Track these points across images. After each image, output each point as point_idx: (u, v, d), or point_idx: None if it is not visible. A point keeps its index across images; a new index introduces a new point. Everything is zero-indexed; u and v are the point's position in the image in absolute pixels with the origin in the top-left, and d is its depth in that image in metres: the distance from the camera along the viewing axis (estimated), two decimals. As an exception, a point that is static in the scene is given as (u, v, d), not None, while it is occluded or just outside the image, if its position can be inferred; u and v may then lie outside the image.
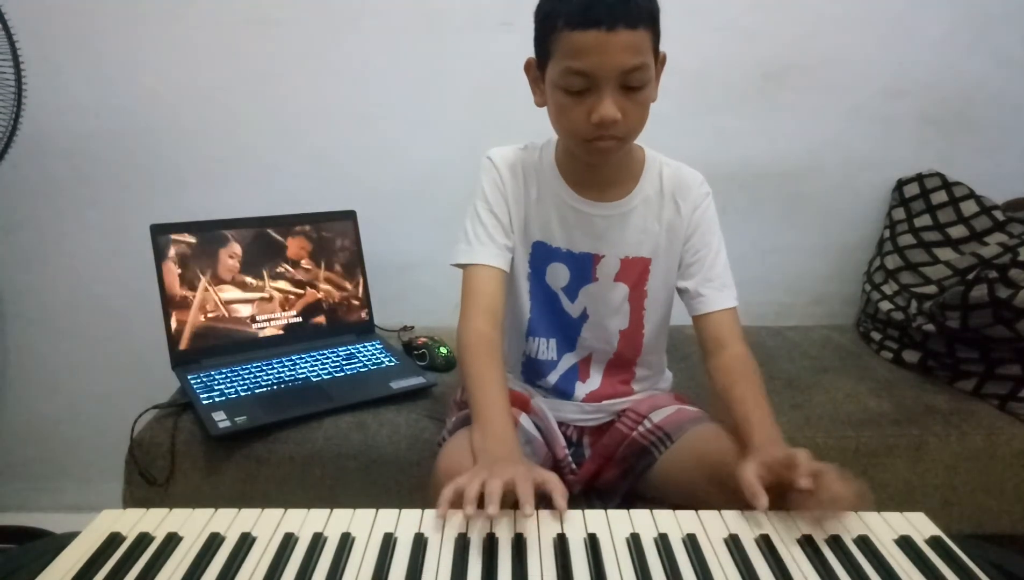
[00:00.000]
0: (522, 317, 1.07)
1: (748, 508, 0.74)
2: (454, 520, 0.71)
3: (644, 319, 1.06)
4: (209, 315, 1.34)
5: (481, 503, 0.69)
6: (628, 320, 1.06)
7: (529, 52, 0.93)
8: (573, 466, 1.05)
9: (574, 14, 0.82)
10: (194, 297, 1.32)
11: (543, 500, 0.73)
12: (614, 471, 1.04)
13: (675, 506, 0.78)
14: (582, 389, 1.08)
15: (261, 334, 1.39)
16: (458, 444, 0.91)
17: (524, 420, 1.03)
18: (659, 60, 0.89)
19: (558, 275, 1.04)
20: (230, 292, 1.36)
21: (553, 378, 1.08)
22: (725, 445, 0.91)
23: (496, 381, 0.90)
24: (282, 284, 1.41)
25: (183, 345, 1.31)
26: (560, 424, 1.07)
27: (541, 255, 1.04)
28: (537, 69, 0.92)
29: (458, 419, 1.05)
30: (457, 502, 0.70)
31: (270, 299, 1.40)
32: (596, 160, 0.94)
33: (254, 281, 1.39)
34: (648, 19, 0.83)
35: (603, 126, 0.86)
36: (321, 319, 1.45)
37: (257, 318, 1.39)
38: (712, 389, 0.99)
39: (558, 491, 0.73)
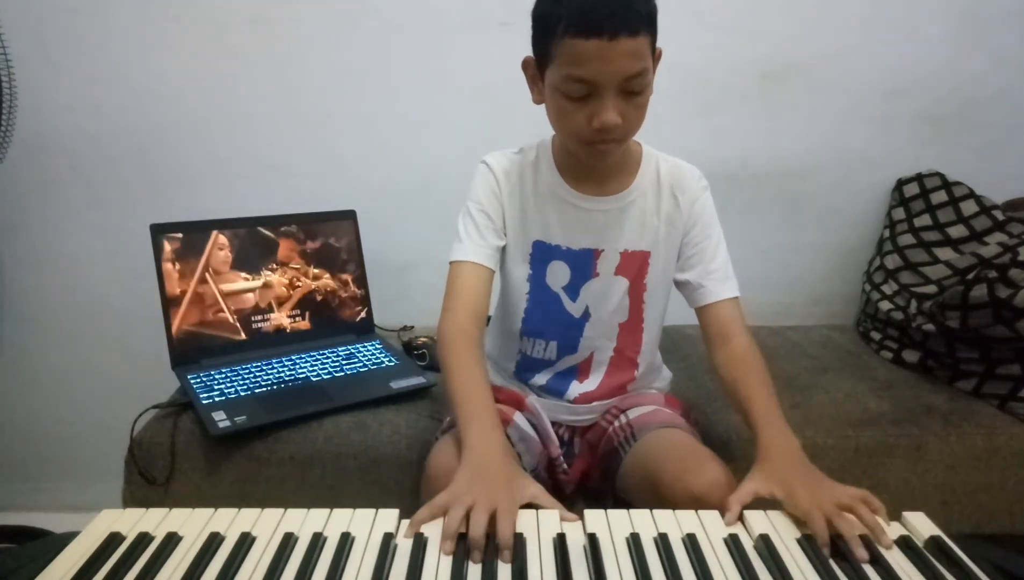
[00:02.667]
0: (517, 317, 1.07)
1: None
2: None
3: (644, 313, 1.07)
4: (209, 315, 1.34)
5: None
6: (628, 314, 1.06)
7: (528, 51, 0.92)
8: (564, 467, 1.05)
9: (575, 21, 0.81)
10: (194, 297, 1.32)
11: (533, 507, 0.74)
12: (597, 472, 1.05)
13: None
14: (576, 389, 1.08)
15: (261, 334, 1.38)
16: (448, 445, 0.91)
17: (519, 418, 1.03)
18: (656, 56, 0.90)
19: (559, 274, 1.04)
20: (230, 292, 1.36)
21: (546, 377, 1.08)
22: (663, 451, 0.93)
23: (477, 374, 0.91)
24: (282, 284, 1.41)
25: (183, 345, 1.30)
26: (552, 424, 1.07)
27: (541, 254, 1.04)
28: (536, 68, 0.92)
29: (451, 419, 1.05)
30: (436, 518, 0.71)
31: (270, 299, 1.40)
32: (595, 162, 0.95)
33: (254, 281, 1.39)
34: (647, 23, 0.83)
35: (604, 131, 0.86)
36: (321, 319, 1.45)
37: (257, 318, 1.38)
38: (720, 385, 0.99)
39: (559, 508, 0.74)
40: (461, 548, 0.66)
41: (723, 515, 0.74)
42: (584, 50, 0.81)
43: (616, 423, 1.03)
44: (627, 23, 0.80)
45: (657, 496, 0.86)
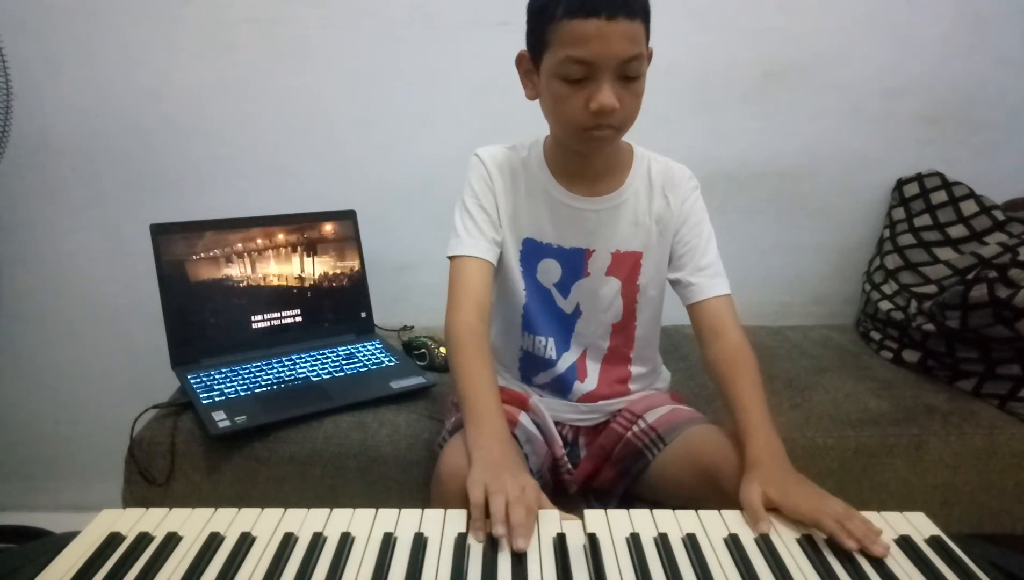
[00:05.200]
0: (517, 312, 1.07)
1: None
2: (454, 519, 0.71)
3: (637, 313, 1.07)
4: (209, 315, 1.34)
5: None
6: (621, 314, 1.06)
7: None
8: (569, 466, 1.05)
9: (575, 3, 0.83)
10: (194, 297, 1.32)
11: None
12: (611, 472, 1.04)
13: (672, 508, 0.78)
14: (579, 388, 1.08)
15: (261, 334, 1.38)
16: (458, 448, 0.91)
17: (524, 418, 1.03)
18: (647, 54, 0.90)
19: (550, 271, 1.04)
20: (230, 291, 1.36)
21: (549, 377, 1.08)
22: (718, 446, 0.91)
23: (485, 374, 0.91)
24: (282, 283, 1.41)
25: (183, 344, 1.30)
26: (556, 423, 1.07)
27: (531, 252, 1.04)
28: (530, 61, 0.92)
29: (456, 420, 1.05)
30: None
31: (269, 298, 1.40)
32: (591, 149, 0.95)
33: (253, 281, 1.39)
34: (643, 11, 0.86)
35: (601, 114, 0.87)
36: (321, 319, 1.45)
37: (256, 317, 1.38)
38: (712, 382, 0.99)
39: (558, 512, 0.74)
40: (459, 546, 0.66)
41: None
42: (584, 30, 0.83)
43: (635, 428, 1.02)
44: (625, 5, 0.82)
45: (717, 488, 0.86)
